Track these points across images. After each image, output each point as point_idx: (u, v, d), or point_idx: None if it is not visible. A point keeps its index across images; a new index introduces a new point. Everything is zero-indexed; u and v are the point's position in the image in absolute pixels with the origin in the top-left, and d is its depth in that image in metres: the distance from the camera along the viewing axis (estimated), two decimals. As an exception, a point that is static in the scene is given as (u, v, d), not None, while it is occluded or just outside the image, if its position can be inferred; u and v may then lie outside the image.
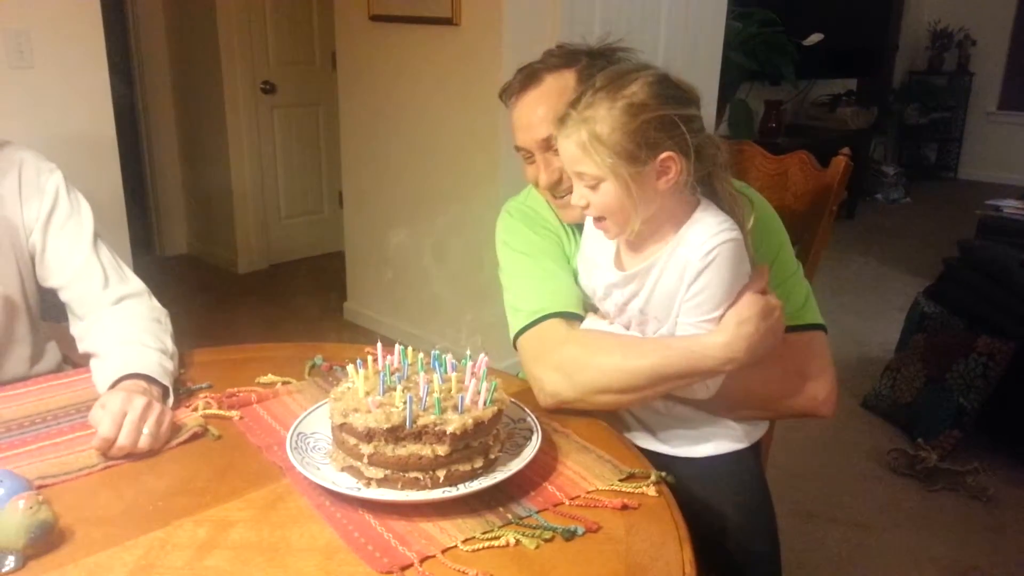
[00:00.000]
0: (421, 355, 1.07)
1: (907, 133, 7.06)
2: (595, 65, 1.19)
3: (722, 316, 1.09)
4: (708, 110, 3.62)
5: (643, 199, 1.07)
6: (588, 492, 0.98)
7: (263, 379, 1.28)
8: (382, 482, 0.94)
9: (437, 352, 1.06)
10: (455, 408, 0.96)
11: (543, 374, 1.17)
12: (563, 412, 1.17)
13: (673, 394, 1.17)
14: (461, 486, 0.94)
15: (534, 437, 1.04)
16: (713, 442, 1.21)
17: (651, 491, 0.98)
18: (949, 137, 7.13)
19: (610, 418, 1.24)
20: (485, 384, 0.99)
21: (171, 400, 1.18)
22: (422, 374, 1.02)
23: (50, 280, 1.37)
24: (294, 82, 4.38)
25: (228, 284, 4.31)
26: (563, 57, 1.24)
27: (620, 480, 1.00)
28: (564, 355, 1.15)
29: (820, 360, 1.25)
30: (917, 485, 2.50)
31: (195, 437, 1.11)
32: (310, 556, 0.86)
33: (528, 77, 1.25)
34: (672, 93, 1.06)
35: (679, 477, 1.04)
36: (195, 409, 1.18)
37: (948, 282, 3.02)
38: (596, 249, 1.21)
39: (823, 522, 2.32)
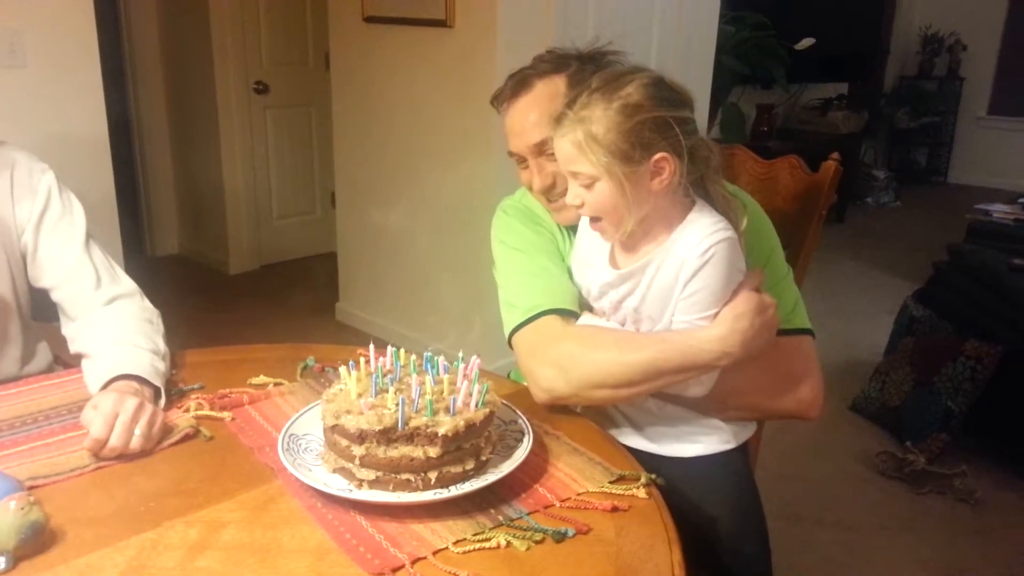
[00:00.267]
0: (413, 357, 1.07)
1: (897, 137, 7.10)
2: (585, 70, 1.21)
3: (717, 314, 1.10)
4: (700, 114, 3.64)
5: (637, 199, 1.08)
6: (578, 494, 0.99)
7: (255, 380, 1.28)
8: (374, 484, 0.95)
9: (429, 354, 1.07)
10: (447, 410, 0.96)
11: (539, 370, 1.18)
12: (554, 414, 1.18)
13: (667, 393, 1.18)
14: (452, 488, 0.95)
15: (525, 439, 1.04)
16: (702, 442, 1.23)
17: (641, 493, 0.99)
18: (939, 141, 7.17)
19: (600, 417, 1.25)
20: (477, 386, 1.00)
21: (163, 401, 1.18)
22: (414, 376, 1.02)
23: (42, 280, 1.37)
24: (287, 83, 4.37)
25: (219, 285, 4.30)
26: (553, 62, 1.26)
27: (610, 482, 1.01)
28: (560, 351, 1.16)
29: (808, 364, 1.27)
30: (905, 488, 2.52)
31: (187, 438, 1.11)
32: (301, 557, 0.86)
33: (519, 83, 1.26)
34: (667, 95, 1.08)
35: (669, 477, 1.04)
36: (187, 410, 1.18)
37: (937, 286, 3.04)
38: (590, 248, 1.22)
39: (811, 524, 2.33)
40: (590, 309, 1.25)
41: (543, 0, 2.79)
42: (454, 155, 3.02)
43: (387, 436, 0.94)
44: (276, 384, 1.27)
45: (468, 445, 0.97)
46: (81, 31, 2.37)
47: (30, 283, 1.39)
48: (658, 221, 1.12)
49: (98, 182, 2.46)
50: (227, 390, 1.24)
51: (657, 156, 1.06)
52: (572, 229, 1.30)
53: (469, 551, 0.88)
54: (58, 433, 1.11)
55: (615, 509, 0.96)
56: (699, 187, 1.14)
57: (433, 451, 0.94)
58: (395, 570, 0.84)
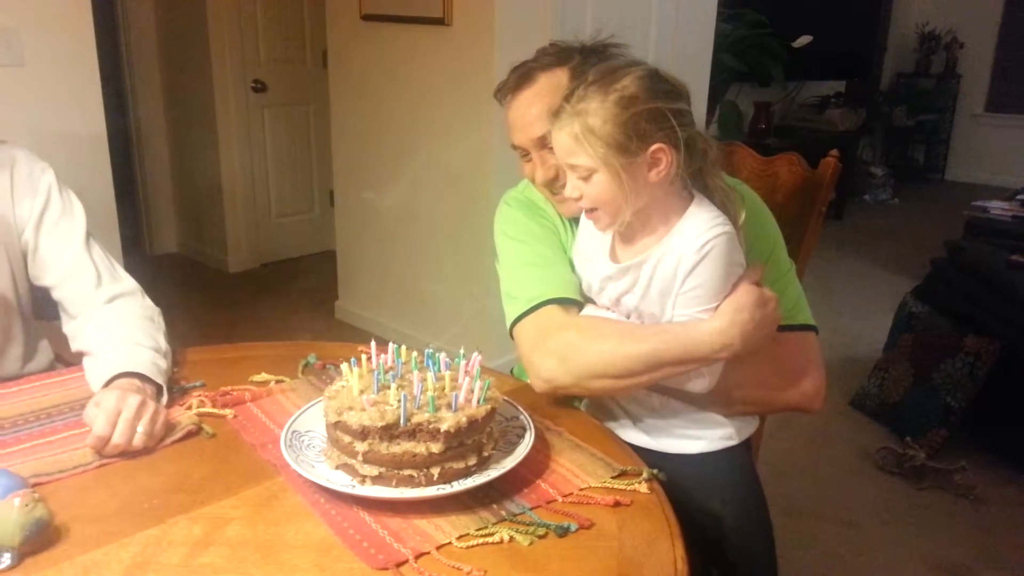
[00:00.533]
0: (415, 354, 1.07)
1: (895, 135, 7.11)
2: (588, 63, 1.21)
3: (718, 307, 1.11)
4: (698, 111, 3.65)
5: (634, 190, 1.09)
6: (581, 489, 0.99)
7: (256, 377, 1.28)
8: (377, 480, 0.95)
9: (431, 351, 1.07)
10: (449, 406, 0.96)
11: (539, 360, 1.18)
12: (556, 410, 1.18)
13: (672, 388, 1.18)
14: (455, 483, 0.95)
15: (527, 435, 1.04)
16: (705, 439, 1.23)
17: (643, 488, 0.99)
18: (936, 139, 7.19)
19: (602, 414, 1.25)
20: (478, 383, 1.00)
21: (165, 398, 1.18)
22: (416, 372, 1.02)
23: (43, 279, 1.37)
24: (285, 81, 4.37)
25: (218, 283, 4.30)
26: (556, 55, 1.26)
27: (612, 477, 1.01)
28: (561, 340, 1.16)
29: (811, 358, 1.28)
30: (905, 483, 2.52)
31: (189, 435, 1.11)
32: (305, 553, 0.87)
33: (522, 76, 1.26)
34: (662, 87, 1.09)
35: (673, 474, 1.05)
36: (189, 407, 1.18)
37: (936, 282, 3.04)
38: (591, 243, 1.23)
39: (811, 520, 2.34)
40: (592, 303, 1.25)
41: (541, -2, 2.79)
42: (452, 153, 3.02)
43: (390, 432, 0.94)
44: (277, 381, 1.27)
45: (470, 441, 0.97)
46: (79, 29, 2.37)
47: (31, 281, 1.39)
48: (656, 214, 1.13)
49: (96, 180, 2.45)
50: (229, 387, 1.24)
51: (654, 147, 1.07)
52: (575, 221, 1.30)
53: (472, 546, 0.88)
54: (61, 431, 1.11)
55: (617, 504, 0.96)
56: (698, 180, 1.14)
57: (435, 447, 0.94)
58: (399, 565, 0.85)
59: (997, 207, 3.76)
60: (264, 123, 4.37)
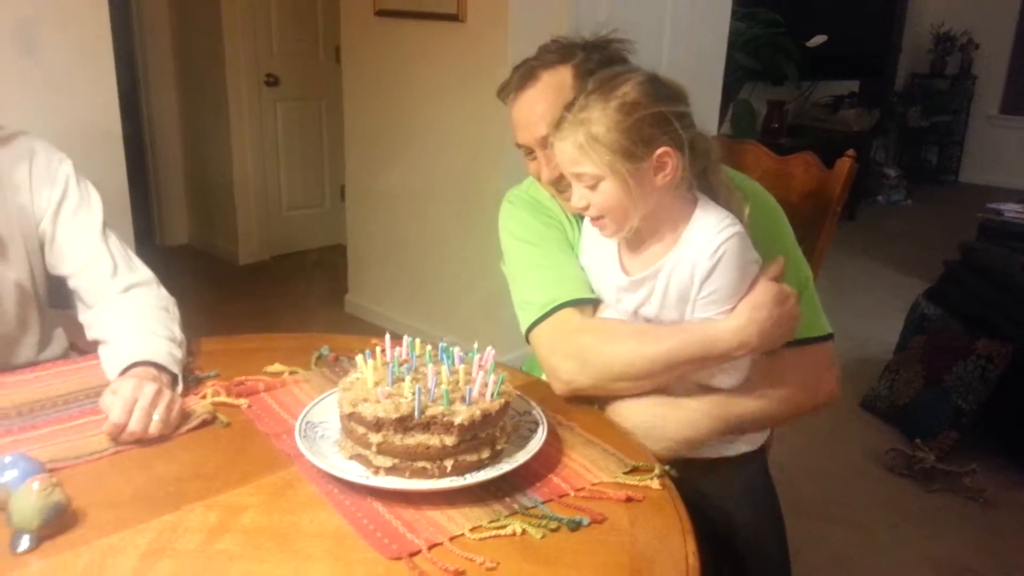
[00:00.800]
0: (429, 347, 1.08)
1: (909, 136, 7.07)
2: (591, 59, 1.21)
3: (735, 307, 1.11)
4: (711, 109, 3.64)
5: (642, 195, 1.09)
6: (593, 484, 0.99)
7: (270, 368, 1.29)
8: (390, 471, 0.95)
9: (445, 345, 1.08)
10: (463, 399, 0.97)
11: (559, 363, 1.18)
12: (568, 405, 1.18)
13: (699, 382, 1.18)
14: (468, 476, 0.96)
15: (540, 430, 1.05)
16: (720, 446, 1.22)
17: (655, 484, 0.99)
18: (951, 140, 7.14)
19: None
20: (492, 377, 1.00)
21: (180, 387, 1.19)
22: (430, 366, 1.03)
23: (60, 268, 1.38)
24: (298, 75, 4.38)
25: (229, 275, 4.32)
26: (558, 52, 1.26)
27: (624, 473, 1.01)
28: (579, 343, 1.16)
29: (829, 364, 1.28)
30: (915, 485, 2.52)
31: (204, 424, 1.12)
32: (320, 541, 0.87)
33: (525, 75, 1.26)
34: (662, 91, 1.09)
35: (687, 476, 1.04)
36: (204, 397, 1.19)
37: (948, 284, 3.03)
38: (597, 250, 1.22)
39: (821, 521, 2.33)
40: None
41: (556, -6, 2.79)
42: (464, 148, 3.03)
43: (404, 424, 0.94)
44: (291, 372, 1.28)
45: (484, 434, 0.97)
46: (93, 21, 2.37)
47: (48, 271, 1.40)
48: (664, 220, 1.13)
49: (110, 172, 2.46)
50: (243, 378, 1.24)
51: (659, 151, 1.07)
52: (580, 217, 1.29)
53: (485, 538, 0.88)
54: (76, 417, 1.12)
55: (629, 499, 0.96)
56: (702, 179, 1.14)
57: (449, 439, 0.94)
58: (412, 555, 0.85)
59: (1011, 210, 3.73)
60: (276, 117, 4.39)
